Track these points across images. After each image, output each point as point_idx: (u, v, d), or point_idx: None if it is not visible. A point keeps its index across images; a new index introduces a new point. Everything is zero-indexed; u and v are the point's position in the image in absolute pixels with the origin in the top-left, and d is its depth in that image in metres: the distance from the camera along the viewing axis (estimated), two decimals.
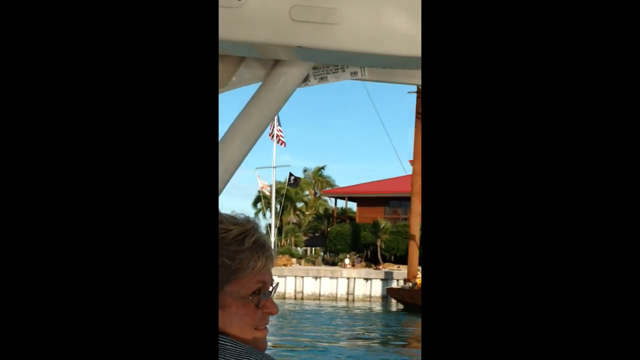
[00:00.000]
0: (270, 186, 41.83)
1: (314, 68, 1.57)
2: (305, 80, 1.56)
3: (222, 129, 1.64)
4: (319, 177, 50.90)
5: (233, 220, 1.30)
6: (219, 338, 1.25)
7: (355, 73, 1.55)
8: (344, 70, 1.56)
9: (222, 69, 1.55)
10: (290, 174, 43.88)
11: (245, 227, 1.27)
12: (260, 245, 1.27)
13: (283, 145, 39.51)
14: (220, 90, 1.56)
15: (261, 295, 1.27)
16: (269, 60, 1.54)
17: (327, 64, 1.56)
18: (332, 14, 1.36)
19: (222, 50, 1.51)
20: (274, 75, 1.54)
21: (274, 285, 1.31)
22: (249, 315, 1.25)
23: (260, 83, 1.56)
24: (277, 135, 38.56)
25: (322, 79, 1.57)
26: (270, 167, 41.03)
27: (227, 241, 1.24)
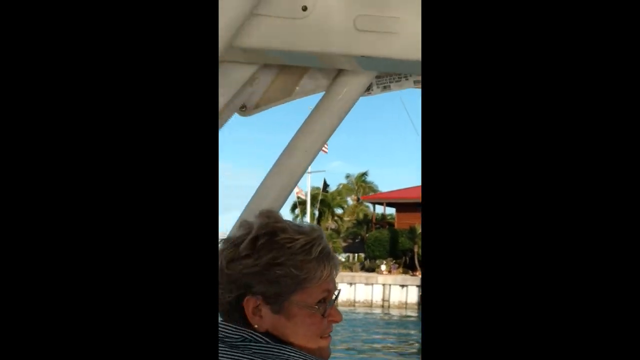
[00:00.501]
0: (306, 193, 41.92)
1: (377, 77, 1.57)
2: (368, 89, 1.57)
3: (285, 138, 1.65)
4: (361, 183, 50.70)
5: (298, 229, 1.30)
6: (283, 348, 1.26)
7: (418, 82, 1.54)
8: (407, 79, 1.56)
9: (286, 79, 1.56)
10: (325, 180, 43.96)
11: (312, 236, 1.27)
12: (326, 254, 1.27)
13: (324, 151, 39.58)
14: (284, 100, 1.57)
15: (327, 304, 1.27)
16: (332, 70, 1.54)
17: (390, 72, 1.55)
18: (394, 23, 1.36)
19: (286, 60, 1.52)
20: (337, 84, 1.54)
21: (337, 292, 1.31)
22: (316, 324, 1.26)
23: (323, 93, 1.57)
24: None
25: (385, 87, 1.57)
26: (306, 172, 41.05)
27: (293, 250, 1.24)
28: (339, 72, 1.54)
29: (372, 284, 35.08)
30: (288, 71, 1.56)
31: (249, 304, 1.27)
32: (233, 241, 1.33)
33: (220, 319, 1.33)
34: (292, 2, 1.38)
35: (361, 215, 48.44)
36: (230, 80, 1.50)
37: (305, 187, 42.31)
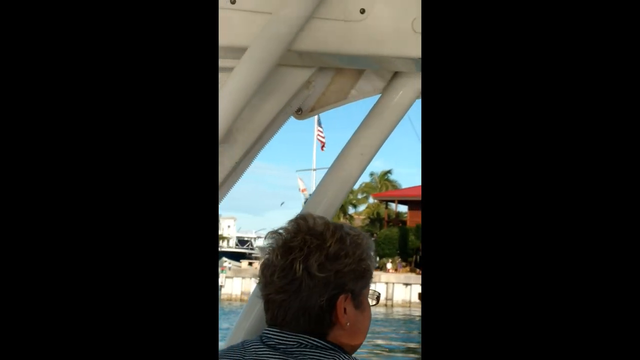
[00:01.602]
0: (309, 192, 41.85)
1: None
2: None
3: (342, 139, 1.64)
4: (385, 181, 50.56)
5: (353, 228, 1.36)
6: (336, 353, 1.26)
7: None
8: None
9: (343, 81, 1.56)
10: None
11: (366, 235, 1.35)
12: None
13: (322, 149, 39.38)
14: (339, 103, 1.56)
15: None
16: (388, 72, 1.54)
17: None
18: None
19: (342, 63, 1.52)
20: (393, 87, 1.54)
21: None
22: (369, 317, 1.35)
23: (379, 95, 1.56)
24: (317, 137, 38.45)
25: None
26: (311, 169, 41.10)
27: (368, 245, 1.33)
28: (395, 75, 1.53)
29: (375, 282, 34.87)
30: (344, 74, 1.55)
31: (341, 303, 1.30)
32: (303, 247, 1.32)
33: (275, 329, 1.33)
34: (350, 5, 1.38)
35: (380, 213, 48.33)
36: (286, 84, 1.50)
37: (310, 186, 42.22)
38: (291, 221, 1.39)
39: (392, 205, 47.41)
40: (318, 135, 38.58)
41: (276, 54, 1.35)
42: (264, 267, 1.39)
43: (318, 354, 1.26)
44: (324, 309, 1.30)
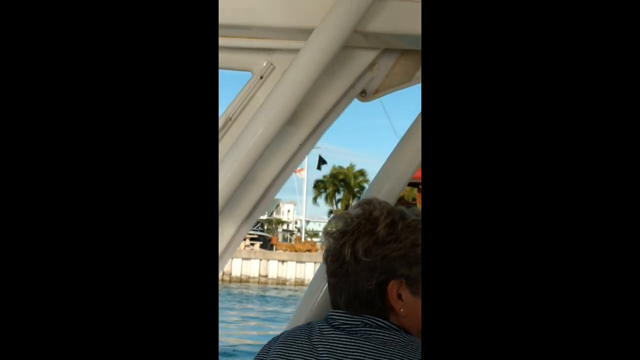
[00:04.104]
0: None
1: None
2: None
3: (405, 125, 1.63)
4: None
5: (417, 214, 1.35)
6: (400, 332, 1.26)
7: None
8: None
9: (407, 64, 1.54)
10: (320, 157, 43.41)
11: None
12: None
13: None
14: (404, 85, 1.55)
15: None
16: None
17: None
18: None
19: (407, 44, 1.50)
20: None
21: None
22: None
23: None
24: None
25: None
26: None
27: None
28: None
29: None
30: (408, 55, 1.53)
31: (393, 288, 1.30)
32: (355, 231, 1.33)
33: (340, 310, 1.34)
34: None
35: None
36: (351, 66, 1.49)
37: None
38: (356, 205, 1.40)
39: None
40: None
41: (343, 35, 1.34)
42: (325, 251, 1.41)
43: (383, 334, 1.27)
44: (373, 293, 1.30)
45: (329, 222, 1.43)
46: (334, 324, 1.33)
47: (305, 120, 1.49)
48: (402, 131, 1.65)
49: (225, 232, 1.49)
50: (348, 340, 1.28)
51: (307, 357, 1.30)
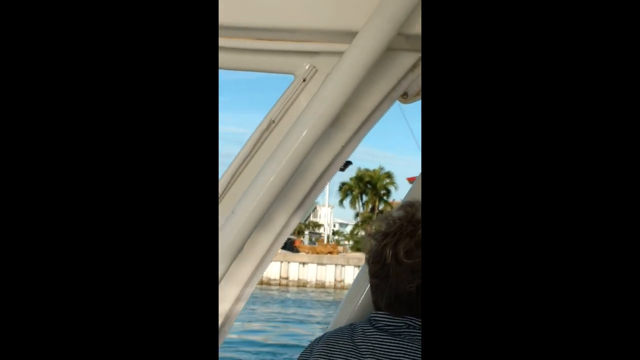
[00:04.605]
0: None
1: None
2: None
3: None
4: None
5: None
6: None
7: None
8: None
9: None
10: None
11: None
12: None
13: None
14: None
15: None
16: None
17: None
18: None
19: None
20: None
21: None
22: None
23: None
24: None
25: None
26: None
27: None
28: None
29: None
30: None
31: None
32: (396, 233, 1.33)
33: (383, 311, 1.34)
34: None
35: None
36: (393, 68, 1.49)
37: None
38: (399, 207, 1.40)
39: None
40: None
41: (386, 38, 1.34)
42: (366, 252, 1.41)
43: None
44: (414, 295, 1.30)
45: (371, 223, 1.43)
46: (376, 325, 1.33)
47: (347, 122, 1.50)
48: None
49: (275, 226, 1.50)
50: (391, 341, 1.28)
51: (349, 358, 1.31)
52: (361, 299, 1.60)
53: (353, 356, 1.31)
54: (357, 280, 1.64)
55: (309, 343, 1.43)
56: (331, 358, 1.33)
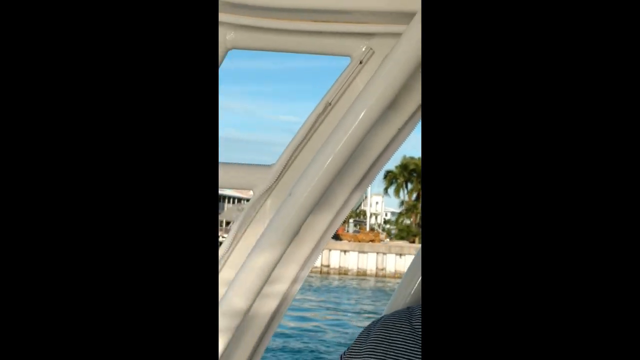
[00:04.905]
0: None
1: None
2: None
3: None
4: None
5: None
6: None
7: None
8: None
9: None
10: None
11: None
12: None
13: None
14: None
15: None
16: None
17: None
18: None
19: None
20: None
21: None
22: None
23: None
24: None
25: None
26: None
27: None
28: None
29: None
30: None
31: None
32: None
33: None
34: None
35: None
36: None
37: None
38: None
39: None
40: None
41: None
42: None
43: None
44: None
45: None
46: None
47: (405, 105, 1.49)
48: None
49: (332, 209, 1.50)
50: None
51: (407, 340, 1.30)
52: (417, 282, 1.59)
53: (411, 339, 1.30)
54: (412, 263, 1.64)
55: (365, 327, 1.43)
56: (389, 341, 1.33)
